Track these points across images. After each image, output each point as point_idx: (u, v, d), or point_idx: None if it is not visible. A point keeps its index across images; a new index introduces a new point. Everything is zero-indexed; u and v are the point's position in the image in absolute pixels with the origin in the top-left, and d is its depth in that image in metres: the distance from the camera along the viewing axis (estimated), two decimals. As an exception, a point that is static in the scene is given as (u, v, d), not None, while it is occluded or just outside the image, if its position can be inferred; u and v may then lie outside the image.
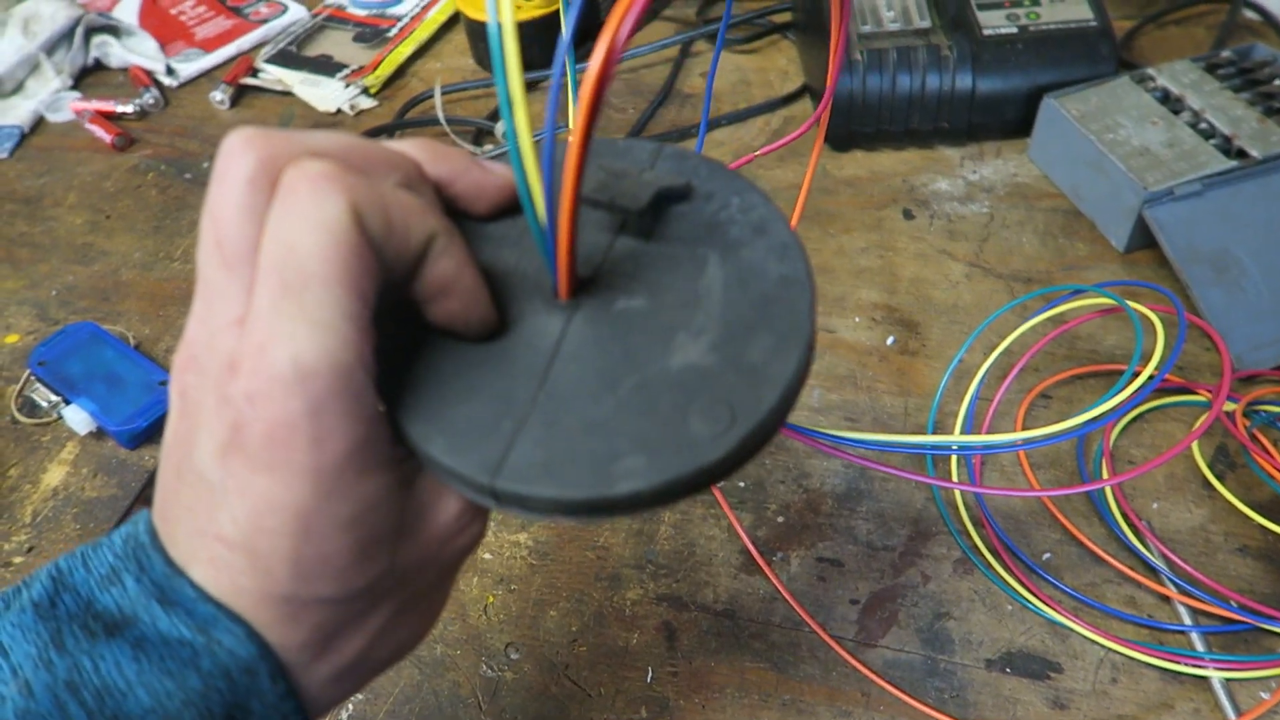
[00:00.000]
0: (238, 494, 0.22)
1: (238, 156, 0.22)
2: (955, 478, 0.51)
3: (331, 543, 0.23)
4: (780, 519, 0.50)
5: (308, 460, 0.22)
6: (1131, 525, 0.48)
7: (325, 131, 0.24)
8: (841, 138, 0.71)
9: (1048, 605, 0.45)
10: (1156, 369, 0.38)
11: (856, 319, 0.59)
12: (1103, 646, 0.44)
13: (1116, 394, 0.37)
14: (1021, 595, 0.46)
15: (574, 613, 0.47)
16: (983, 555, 0.48)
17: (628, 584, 0.48)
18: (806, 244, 0.65)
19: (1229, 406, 0.50)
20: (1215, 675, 0.43)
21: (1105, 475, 0.50)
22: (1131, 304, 0.45)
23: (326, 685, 0.26)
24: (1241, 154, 0.61)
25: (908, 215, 0.66)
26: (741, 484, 0.52)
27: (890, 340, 0.58)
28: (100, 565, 0.24)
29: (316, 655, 0.25)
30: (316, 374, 0.21)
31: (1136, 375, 0.43)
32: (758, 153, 0.48)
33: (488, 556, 0.50)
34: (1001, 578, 0.47)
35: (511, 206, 0.27)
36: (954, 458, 0.52)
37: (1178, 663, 0.43)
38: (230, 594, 0.24)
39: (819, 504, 0.51)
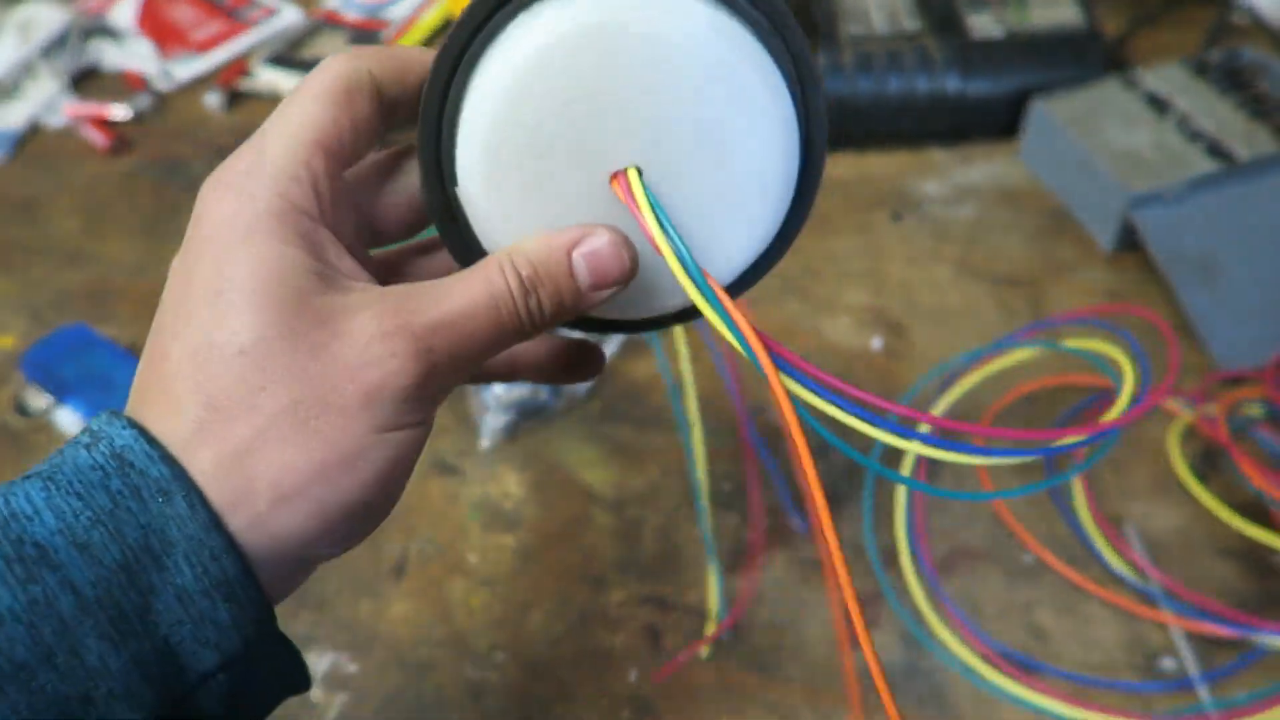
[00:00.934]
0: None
1: (338, 57, 0.27)
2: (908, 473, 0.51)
3: (232, 269, 0.24)
4: (766, 520, 0.50)
5: (232, 205, 0.25)
6: (1102, 532, 0.48)
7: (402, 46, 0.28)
8: (831, 139, 0.71)
9: (1006, 680, 0.46)
10: (1121, 414, 0.37)
11: (844, 320, 0.59)
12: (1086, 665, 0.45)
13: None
14: (975, 671, 0.46)
15: (558, 614, 0.48)
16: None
17: (612, 585, 0.49)
18: (798, 247, 0.65)
19: (1211, 409, 0.50)
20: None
21: (1076, 482, 0.50)
22: (1097, 348, 0.43)
23: (267, 525, 0.24)
24: (1228, 157, 0.61)
25: (896, 217, 0.67)
26: (726, 485, 0.52)
27: (876, 343, 0.58)
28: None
29: (194, 442, 0.23)
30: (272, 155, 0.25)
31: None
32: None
33: (472, 559, 0.50)
34: (936, 636, 0.47)
35: None
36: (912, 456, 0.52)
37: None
38: (149, 408, 0.24)
39: (804, 506, 0.51)
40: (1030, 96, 0.67)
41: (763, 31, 0.26)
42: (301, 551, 0.25)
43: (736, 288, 0.28)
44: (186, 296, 0.24)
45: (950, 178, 0.69)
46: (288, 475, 0.24)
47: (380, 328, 0.24)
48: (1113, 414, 0.34)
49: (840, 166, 0.71)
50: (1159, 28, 0.81)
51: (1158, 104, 0.66)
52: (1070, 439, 0.31)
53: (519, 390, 0.55)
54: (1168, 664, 0.44)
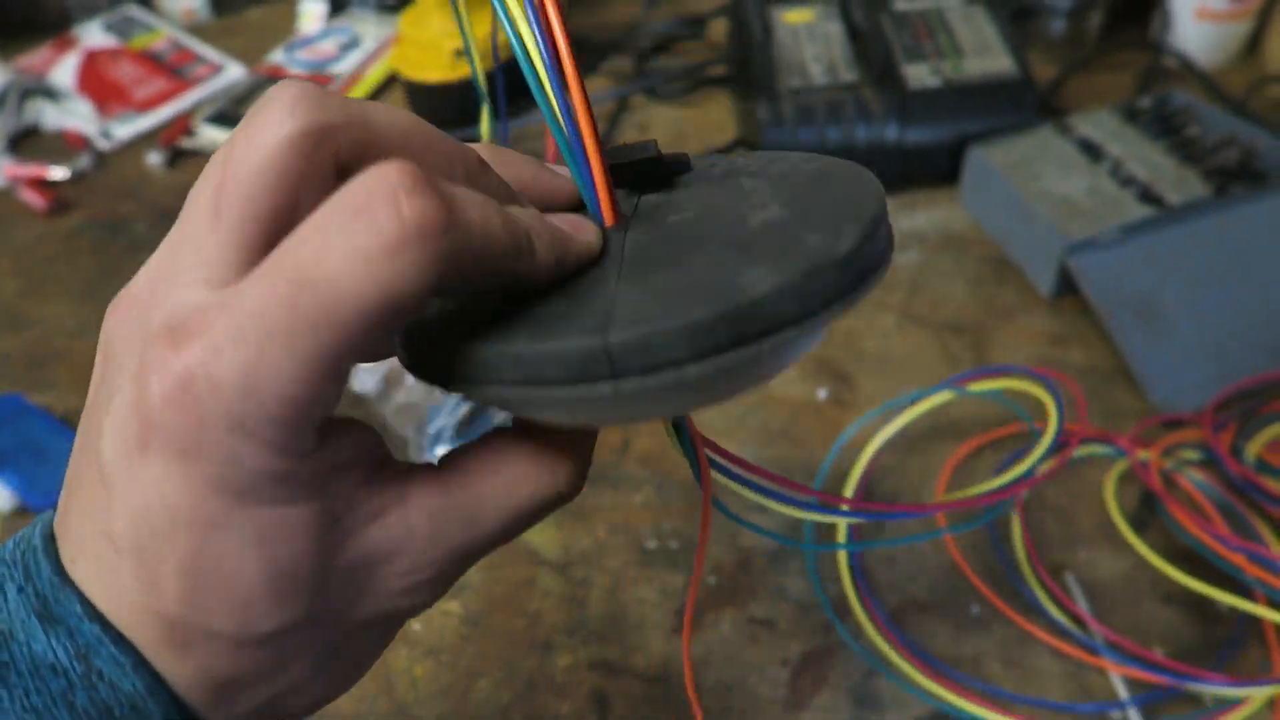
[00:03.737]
0: (135, 481, 0.19)
1: (282, 113, 0.19)
2: (841, 536, 0.51)
3: (233, 561, 0.19)
4: (713, 579, 0.50)
5: (217, 471, 0.19)
6: (1045, 587, 0.48)
7: (382, 105, 0.21)
8: (775, 190, 0.72)
9: (952, 693, 0.46)
10: (1038, 463, 0.37)
11: (789, 373, 0.60)
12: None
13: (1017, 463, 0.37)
14: (926, 690, 0.46)
15: (505, 682, 0.47)
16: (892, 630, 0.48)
17: (559, 650, 0.48)
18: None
19: (1145, 455, 0.51)
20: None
21: (1017, 530, 0.50)
22: (1014, 387, 0.45)
23: None
24: (1159, 202, 0.62)
25: (840, 266, 0.67)
26: (674, 545, 0.52)
27: (822, 393, 0.59)
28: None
29: (210, 703, 0.21)
30: (273, 391, 0.18)
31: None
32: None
33: (417, 627, 0.49)
34: (902, 670, 0.47)
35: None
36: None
37: None
38: (116, 608, 0.20)
39: (751, 563, 0.51)
40: (968, 144, 0.68)
41: None
42: None
43: None
44: (160, 574, 0.20)
45: (894, 225, 0.70)
46: (312, 704, 0.23)
47: (411, 574, 0.22)
48: (1026, 463, 0.35)
49: (785, 215, 0.71)
50: (1092, 72, 0.83)
51: (1091, 150, 0.67)
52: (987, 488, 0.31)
53: (463, 452, 0.54)
54: (1114, 715, 0.44)
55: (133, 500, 0.19)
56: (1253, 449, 0.53)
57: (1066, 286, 0.62)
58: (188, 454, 0.19)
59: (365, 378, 0.60)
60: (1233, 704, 0.43)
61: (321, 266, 0.18)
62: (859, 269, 0.21)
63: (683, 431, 0.25)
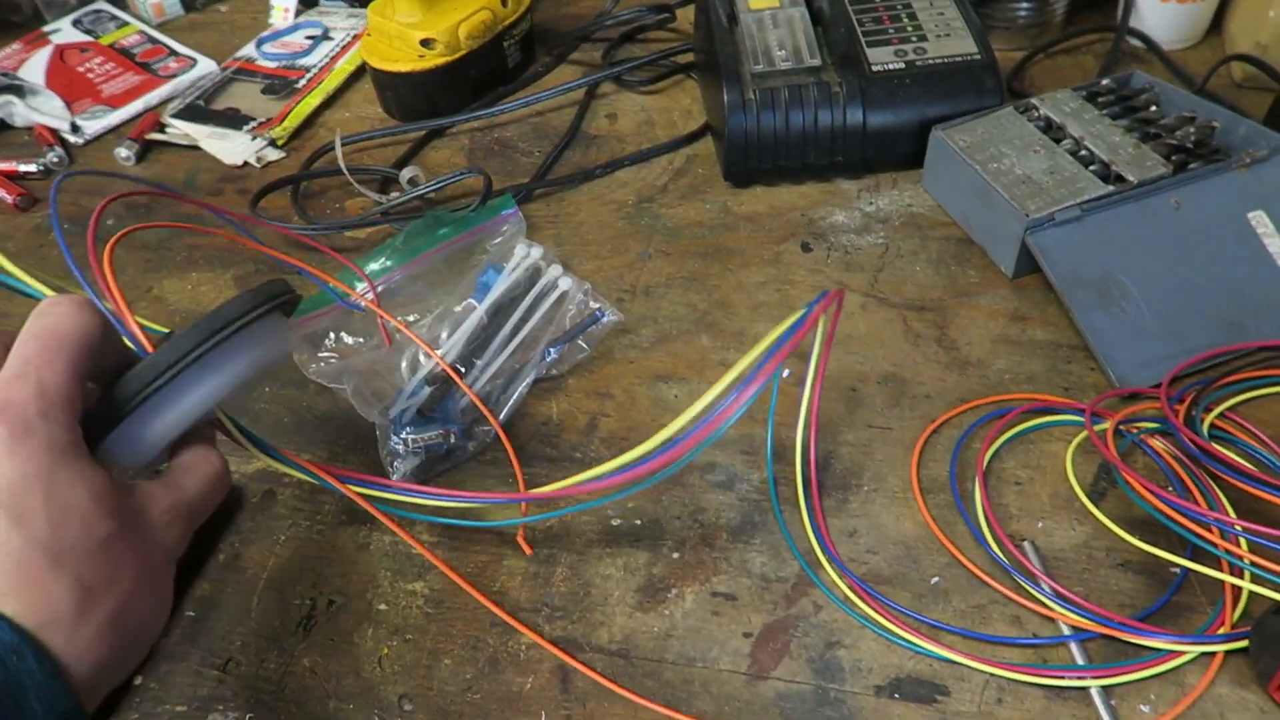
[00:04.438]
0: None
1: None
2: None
3: (70, 491, 0.35)
4: (675, 555, 0.50)
5: (44, 441, 0.35)
6: (1006, 550, 0.49)
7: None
8: (741, 175, 0.72)
9: (920, 639, 0.46)
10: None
11: (755, 353, 0.60)
12: (990, 675, 0.45)
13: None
14: (891, 631, 0.46)
15: (469, 660, 0.47)
16: (866, 588, 0.49)
17: (523, 628, 0.48)
18: (706, 280, 0.66)
19: (1101, 426, 0.51)
20: (1093, 685, 0.44)
21: (978, 497, 0.51)
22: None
23: (89, 649, 0.34)
24: (1119, 179, 0.63)
25: (806, 248, 0.68)
26: (638, 521, 0.52)
27: (786, 372, 0.59)
28: None
29: (76, 617, 0.34)
30: (56, 394, 0.36)
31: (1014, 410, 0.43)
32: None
33: (383, 607, 0.49)
34: (870, 617, 0.47)
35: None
36: (799, 479, 0.52)
37: (1059, 678, 0.44)
38: None
39: (714, 538, 0.51)
40: (931, 126, 0.69)
41: None
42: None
43: None
44: (28, 511, 0.34)
45: (858, 208, 0.71)
46: (146, 619, 0.39)
47: (166, 515, 0.40)
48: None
49: (752, 201, 0.72)
50: (1056, 55, 0.84)
51: (1052, 130, 0.68)
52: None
53: (428, 434, 0.54)
54: (1070, 679, 0.45)
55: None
56: (1208, 419, 0.54)
57: (1028, 265, 0.63)
58: (23, 435, 0.35)
59: (318, 368, 0.60)
60: (1166, 654, 0.44)
61: (46, 324, 0.38)
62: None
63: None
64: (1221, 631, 0.45)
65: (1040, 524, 0.51)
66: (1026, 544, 0.49)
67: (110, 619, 0.35)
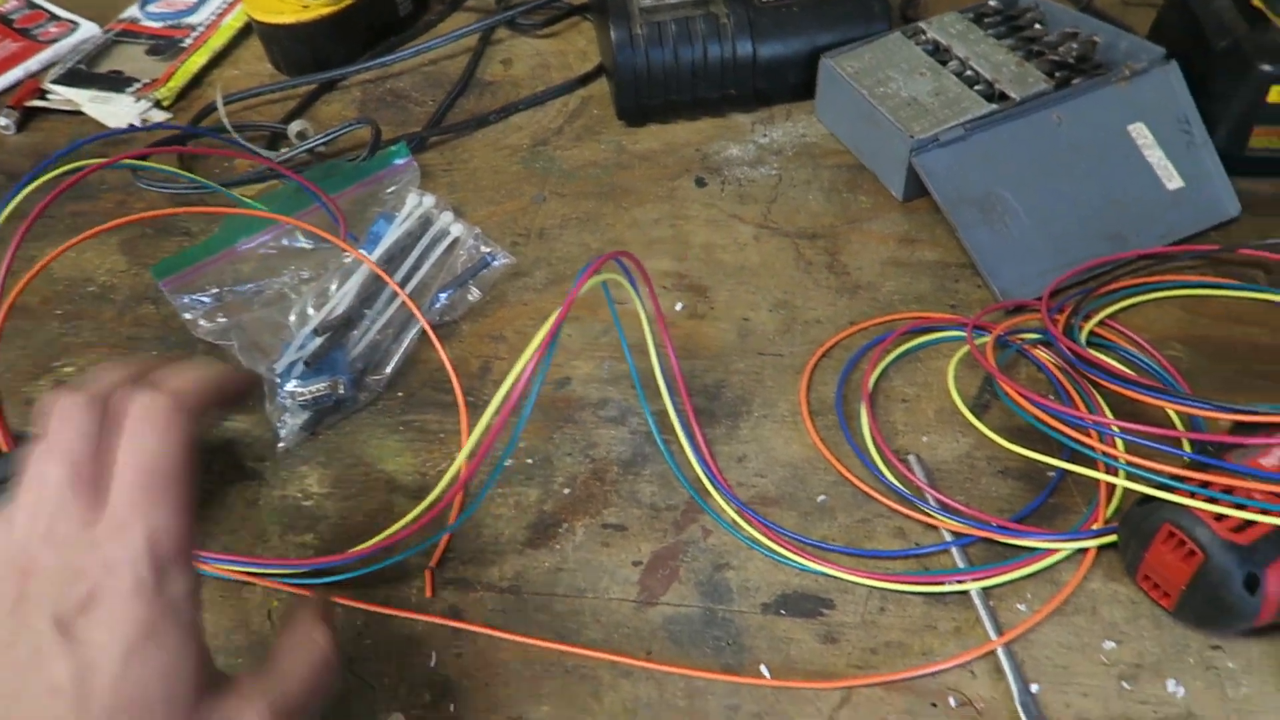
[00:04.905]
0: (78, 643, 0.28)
1: (74, 410, 0.31)
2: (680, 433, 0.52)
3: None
4: (567, 490, 0.51)
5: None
6: (891, 465, 0.50)
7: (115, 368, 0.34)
8: (634, 113, 0.72)
9: (801, 557, 0.47)
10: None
11: (645, 289, 0.60)
12: (869, 586, 0.46)
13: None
14: (777, 552, 0.47)
15: (358, 609, 0.47)
16: (753, 508, 0.49)
17: (415, 572, 0.48)
18: (601, 220, 0.66)
19: (982, 339, 0.52)
20: (972, 586, 0.45)
21: (864, 417, 0.52)
22: None
23: None
24: (1003, 97, 0.63)
25: (700, 183, 0.67)
26: (530, 460, 0.52)
27: (679, 306, 0.59)
28: None
29: None
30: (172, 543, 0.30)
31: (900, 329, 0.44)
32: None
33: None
34: (757, 539, 0.48)
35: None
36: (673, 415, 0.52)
37: (939, 584, 0.45)
38: None
39: (605, 472, 0.51)
40: (821, 55, 0.69)
41: None
42: None
43: None
44: (89, 702, 0.28)
45: (752, 140, 0.70)
46: None
47: None
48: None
49: (647, 138, 0.71)
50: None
51: (939, 53, 0.68)
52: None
53: (316, 386, 0.53)
54: (950, 584, 0.46)
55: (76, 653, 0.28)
56: (1087, 328, 0.55)
57: (917, 188, 0.63)
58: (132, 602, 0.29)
59: (206, 326, 0.59)
60: (1041, 553, 0.45)
61: (144, 454, 0.31)
62: None
63: None
64: (1094, 528, 0.46)
65: (925, 438, 0.51)
66: (911, 458, 0.50)
67: None
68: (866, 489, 0.49)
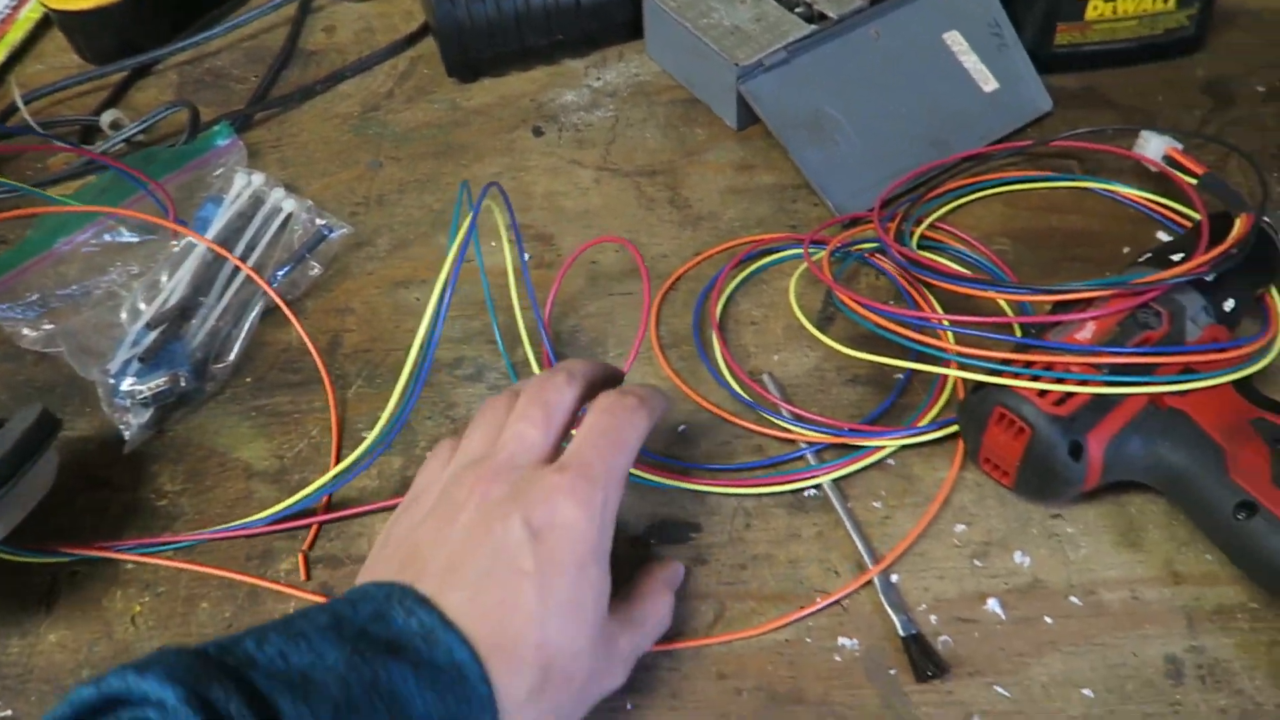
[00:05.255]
0: (545, 546, 0.35)
1: (569, 379, 0.41)
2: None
3: (592, 588, 0.36)
4: (428, 453, 0.50)
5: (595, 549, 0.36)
6: (746, 386, 0.51)
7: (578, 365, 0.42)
8: (464, 68, 0.70)
9: (664, 478, 0.48)
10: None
11: (492, 244, 0.59)
12: (734, 495, 0.47)
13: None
14: (643, 476, 0.48)
15: (227, 598, 0.46)
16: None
17: (281, 556, 0.47)
18: (440, 180, 0.64)
19: (819, 255, 0.53)
20: (825, 479, 0.46)
21: (715, 342, 0.53)
22: None
23: None
24: (822, 17, 0.64)
25: (537, 132, 0.67)
26: (388, 429, 0.51)
27: (526, 257, 0.59)
28: (366, 608, 0.34)
29: (522, 703, 0.34)
30: (608, 506, 0.37)
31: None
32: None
33: (130, 567, 0.47)
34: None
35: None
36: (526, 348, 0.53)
37: (792, 481, 0.46)
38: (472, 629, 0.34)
39: (464, 430, 0.51)
40: (644, -8, 0.68)
41: None
42: None
43: None
44: (549, 592, 0.35)
45: (587, 85, 0.70)
46: None
47: (625, 661, 0.38)
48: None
49: (481, 94, 0.70)
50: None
51: (758, -21, 0.68)
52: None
53: (155, 382, 0.51)
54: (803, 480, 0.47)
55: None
56: (918, 232, 0.57)
57: (749, 115, 0.64)
58: (600, 508, 0.37)
59: (32, 335, 0.56)
60: (876, 449, 0.47)
61: (614, 431, 0.39)
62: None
63: None
64: (926, 420, 0.48)
65: (776, 356, 0.53)
66: (765, 376, 0.51)
67: (554, 708, 0.35)
68: (723, 413, 0.50)
